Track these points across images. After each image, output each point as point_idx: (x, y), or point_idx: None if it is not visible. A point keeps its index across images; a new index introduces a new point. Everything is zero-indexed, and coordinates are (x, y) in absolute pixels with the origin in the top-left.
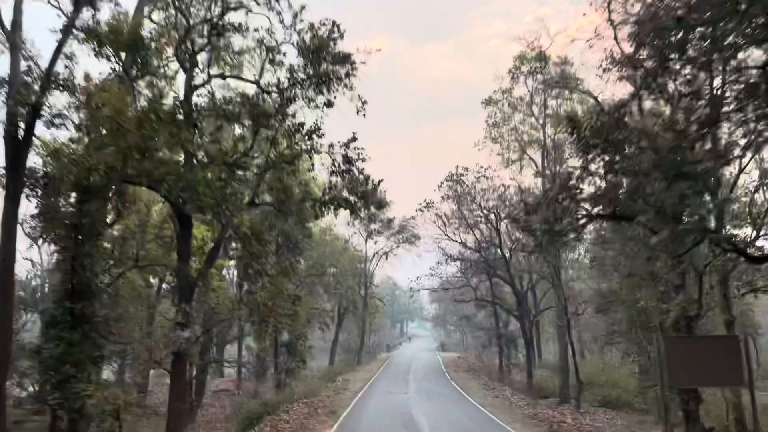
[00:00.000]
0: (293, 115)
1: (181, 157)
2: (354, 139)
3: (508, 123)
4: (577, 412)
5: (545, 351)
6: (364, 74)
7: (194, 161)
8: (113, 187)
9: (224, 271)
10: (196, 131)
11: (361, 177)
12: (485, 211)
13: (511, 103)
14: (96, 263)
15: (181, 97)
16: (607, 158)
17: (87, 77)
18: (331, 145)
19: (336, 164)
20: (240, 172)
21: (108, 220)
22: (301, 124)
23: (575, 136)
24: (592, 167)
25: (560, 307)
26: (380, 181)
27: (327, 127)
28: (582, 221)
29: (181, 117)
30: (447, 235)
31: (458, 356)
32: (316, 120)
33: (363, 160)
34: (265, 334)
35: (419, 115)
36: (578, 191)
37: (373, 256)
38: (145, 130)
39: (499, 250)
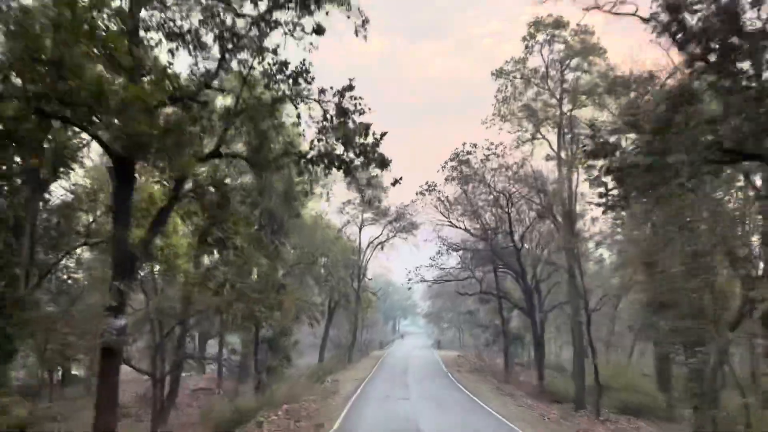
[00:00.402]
0: (274, 51)
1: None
2: (351, 87)
3: (520, 99)
4: (597, 419)
5: (547, 351)
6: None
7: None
8: (33, 130)
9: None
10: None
11: (359, 127)
12: (495, 193)
13: (524, 75)
14: (20, 232)
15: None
16: (726, 71)
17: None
18: (322, 91)
19: (328, 117)
20: (200, 112)
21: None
22: (285, 63)
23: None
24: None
25: (576, 303)
26: (384, 134)
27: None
28: (704, 154)
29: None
30: (450, 221)
31: (458, 355)
32: (304, 60)
33: (362, 112)
34: (233, 325)
35: (417, 114)
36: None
37: (368, 246)
38: (60, 34)
39: (509, 238)
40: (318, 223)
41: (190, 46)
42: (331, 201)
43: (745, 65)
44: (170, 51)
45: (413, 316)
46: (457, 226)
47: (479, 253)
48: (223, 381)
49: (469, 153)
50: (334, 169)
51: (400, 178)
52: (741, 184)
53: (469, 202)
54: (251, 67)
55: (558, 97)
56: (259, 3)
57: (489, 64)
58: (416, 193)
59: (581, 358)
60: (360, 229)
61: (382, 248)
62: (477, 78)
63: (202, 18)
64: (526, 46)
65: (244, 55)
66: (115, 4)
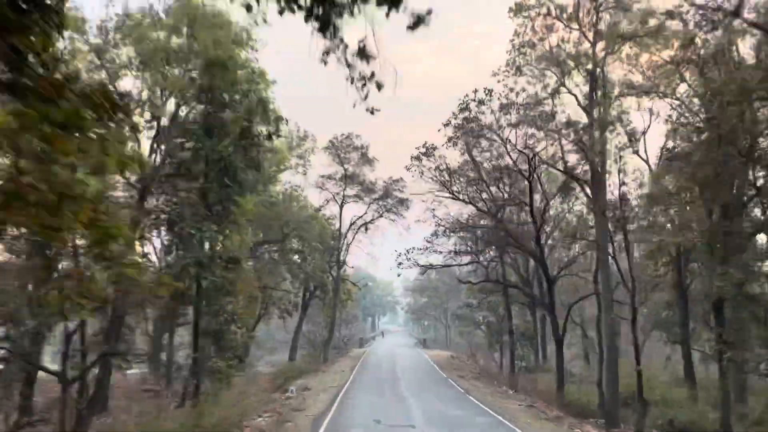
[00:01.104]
0: None
1: None
2: None
3: (542, 44)
4: None
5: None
6: None
7: None
8: None
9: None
10: None
11: None
12: (517, 150)
13: (550, 11)
14: None
15: None
16: None
17: None
18: None
19: None
20: None
21: None
22: None
23: None
24: None
25: (607, 295)
26: None
27: None
28: None
29: None
30: (452, 193)
31: (451, 355)
32: None
33: None
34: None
35: (402, 113)
36: None
37: (349, 227)
38: None
39: (521, 215)
40: (292, 197)
41: None
42: (308, 175)
43: None
44: None
45: (393, 313)
46: (460, 199)
47: (485, 233)
48: (174, 381)
49: (481, 102)
50: (300, 12)
51: (429, 12)
52: None
53: (477, 169)
54: None
55: (591, 39)
56: None
57: (476, 67)
58: (411, 158)
59: (613, 364)
60: (341, 206)
61: (366, 230)
62: (466, 80)
63: None
64: None
65: None
66: None
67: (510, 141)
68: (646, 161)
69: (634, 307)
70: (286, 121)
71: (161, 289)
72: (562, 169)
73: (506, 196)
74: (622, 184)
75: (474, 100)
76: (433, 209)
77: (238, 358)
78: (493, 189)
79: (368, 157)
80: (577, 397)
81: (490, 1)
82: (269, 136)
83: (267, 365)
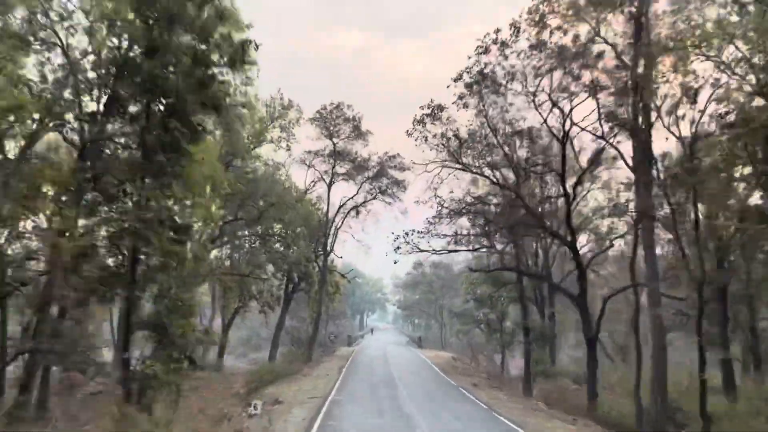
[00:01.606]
0: None
1: None
2: None
3: None
4: None
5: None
6: None
7: None
8: None
9: None
10: None
11: None
12: (550, 103)
13: None
14: None
15: None
16: None
17: None
18: None
19: None
20: None
21: None
22: None
23: None
24: None
25: (654, 285)
26: None
27: None
28: None
29: None
30: (461, 163)
31: (452, 357)
32: None
33: None
34: None
35: (394, 111)
36: None
37: (338, 209)
38: None
39: (544, 190)
40: (274, 177)
41: None
42: (293, 152)
43: None
44: None
45: (382, 310)
46: (471, 171)
47: (498, 212)
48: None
49: (504, 45)
50: None
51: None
52: None
53: (493, 133)
54: None
55: None
56: None
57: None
58: (414, 122)
59: (661, 369)
60: (329, 186)
61: (357, 213)
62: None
63: None
64: None
65: None
66: None
67: (543, 90)
68: (678, 137)
69: (702, 298)
70: (257, 46)
71: (84, 264)
72: (599, 134)
73: (524, 165)
74: (694, 136)
75: (495, 42)
76: (436, 188)
77: (189, 359)
78: (511, 154)
79: (361, 129)
80: (608, 409)
81: (490, 2)
82: (232, 62)
83: (250, 363)
